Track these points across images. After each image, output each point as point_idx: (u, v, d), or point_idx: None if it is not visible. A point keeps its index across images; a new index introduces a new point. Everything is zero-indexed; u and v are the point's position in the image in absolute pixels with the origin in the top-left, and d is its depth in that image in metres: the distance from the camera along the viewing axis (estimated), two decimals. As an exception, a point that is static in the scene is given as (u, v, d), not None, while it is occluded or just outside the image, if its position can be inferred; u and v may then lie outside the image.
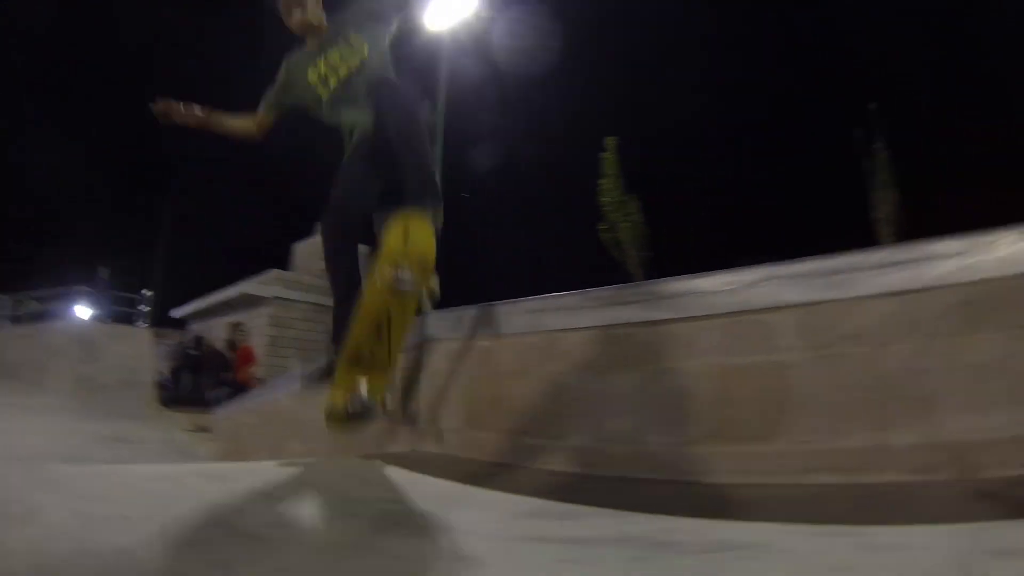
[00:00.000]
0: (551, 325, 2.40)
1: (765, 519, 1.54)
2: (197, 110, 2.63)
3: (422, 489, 2.00)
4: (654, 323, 2.19)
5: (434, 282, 2.38)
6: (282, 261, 11.86)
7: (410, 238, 2.06)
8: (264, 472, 2.38)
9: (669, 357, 2.16)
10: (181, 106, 2.63)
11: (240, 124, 2.74)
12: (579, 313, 2.35)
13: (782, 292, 2.02)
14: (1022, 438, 1.66)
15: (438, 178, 2.45)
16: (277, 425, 4.27)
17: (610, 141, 6.64)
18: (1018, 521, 1.36)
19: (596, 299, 2.33)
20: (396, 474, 2.22)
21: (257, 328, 10.13)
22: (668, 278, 2.25)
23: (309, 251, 11.64)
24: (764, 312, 2.04)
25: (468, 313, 2.73)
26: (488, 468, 2.28)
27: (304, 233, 12.12)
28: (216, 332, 10.69)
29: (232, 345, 9.41)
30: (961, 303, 1.83)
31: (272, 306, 10.30)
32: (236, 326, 9.73)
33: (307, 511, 1.72)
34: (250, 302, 10.60)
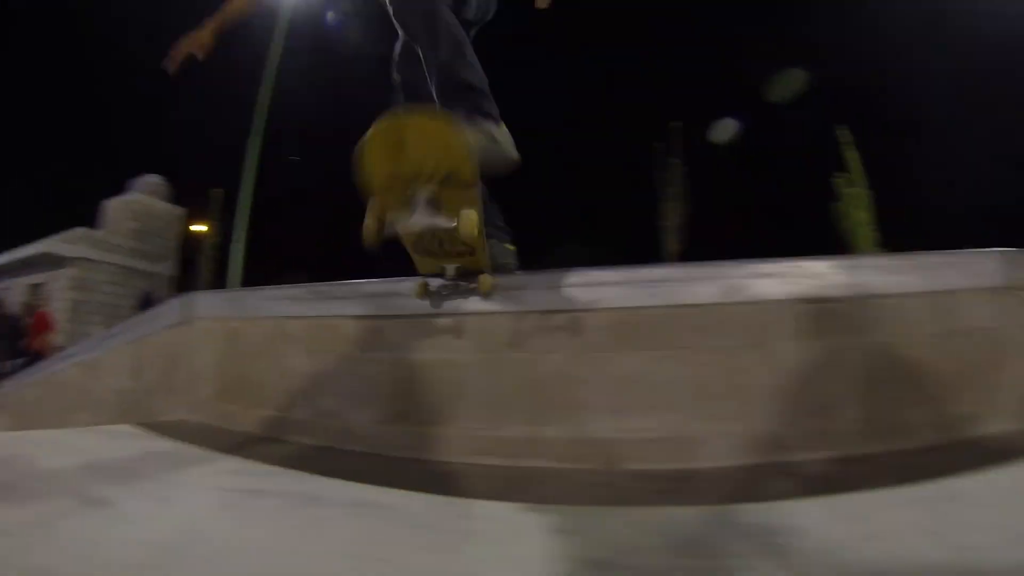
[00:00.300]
0: (281, 312, 2.78)
1: (414, 488, 1.83)
2: (197, 36, 2.35)
3: (166, 452, 2.37)
4: (356, 317, 2.58)
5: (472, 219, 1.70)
6: (91, 219, 11.17)
7: (408, 148, 1.55)
8: (32, 439, 2.73)
9: (367, 348, 2.53)
10: (183, 43, 2.35)
11: (239, 3, 2.41)
12: (302, 303, 2.73)
13: (461, 302, 2.38)
14: (656, 440, 2.07)
15: (482, 83, 1.90)
16: (64, 397, 4.35)
17: None
18: (614, 508, 1.68)
19: (314, 292, 2.73)
20: (149, 440, 2.57)
21: (58, 291, 9.46)
22: (370, 280, 2.65)
23: (122, 209, 11.06)
24: (444, 316, 2.39)
25: (220, 295, 3.17)
26: (230, 436, 2.60)
27: (117, 189, 11.49)
28: (13, 295, 9.91)
29: (29, 310, 8.90)
30: (613, 324, 2.19)
31: (76, 267, 9.60)
32: (35, 288, 9.18)
33: (56, 468, 2.02)
34: (52, 262, 9.69)
